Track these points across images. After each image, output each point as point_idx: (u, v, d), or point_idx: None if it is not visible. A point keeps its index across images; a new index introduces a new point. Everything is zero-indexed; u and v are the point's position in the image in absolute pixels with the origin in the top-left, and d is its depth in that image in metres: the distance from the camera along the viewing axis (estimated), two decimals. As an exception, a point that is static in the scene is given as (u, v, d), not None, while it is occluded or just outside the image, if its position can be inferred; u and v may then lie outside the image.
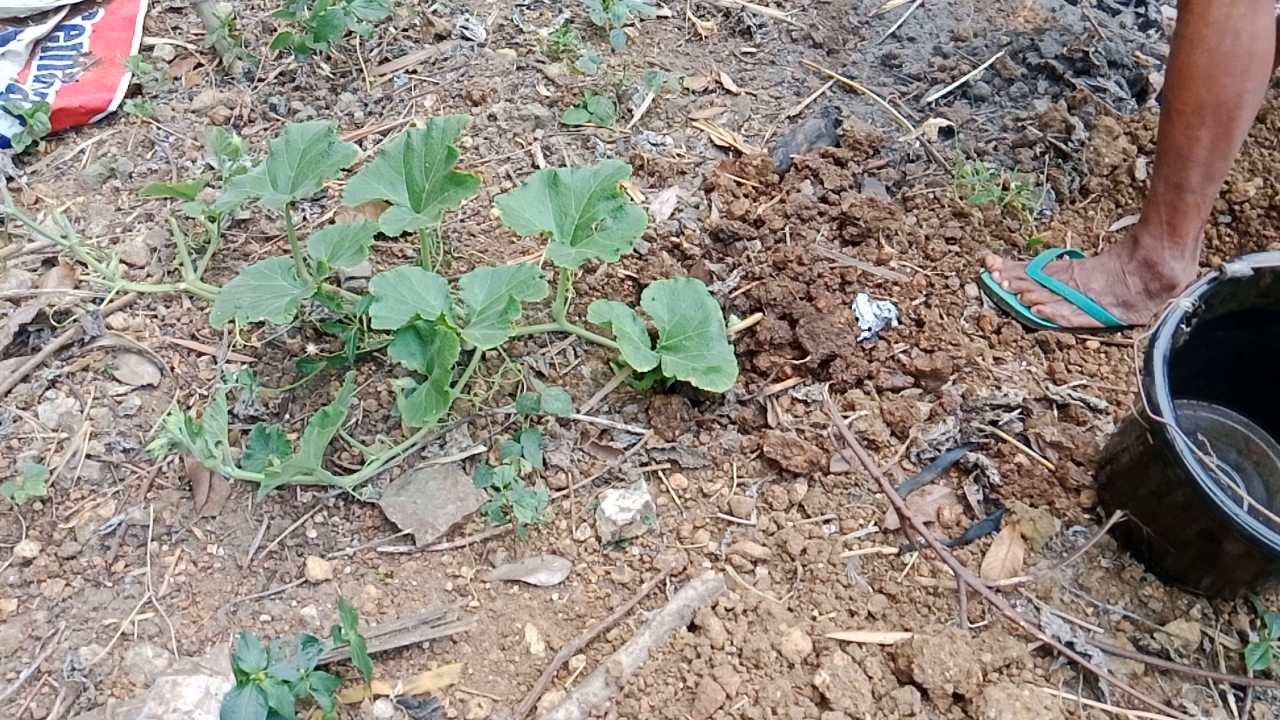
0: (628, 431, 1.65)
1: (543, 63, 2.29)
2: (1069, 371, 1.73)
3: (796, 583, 1.47)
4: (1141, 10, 2.44)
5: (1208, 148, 1.53)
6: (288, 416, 1.67)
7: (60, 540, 1.50)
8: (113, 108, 2.16)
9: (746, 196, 1.99)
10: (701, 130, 2.17)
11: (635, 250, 1.86)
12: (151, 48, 2.33)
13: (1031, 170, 2.02)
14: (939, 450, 1.62)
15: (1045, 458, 1.60)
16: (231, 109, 2.17)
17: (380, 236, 1.80)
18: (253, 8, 2.44)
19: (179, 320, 1.79)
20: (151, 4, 2.44)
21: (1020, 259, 1.89)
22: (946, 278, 1.84)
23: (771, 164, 2.04)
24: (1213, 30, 1.44)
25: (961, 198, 1.95)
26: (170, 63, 2.32)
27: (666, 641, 1.38)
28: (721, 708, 1.29)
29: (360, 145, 2.09)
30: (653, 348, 1.63)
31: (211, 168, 2.03)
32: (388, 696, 1.35)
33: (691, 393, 1.67)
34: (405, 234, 1.93)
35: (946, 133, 2.13)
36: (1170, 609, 1.45)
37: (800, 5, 2.47)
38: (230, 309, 1.57)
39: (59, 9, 2.36)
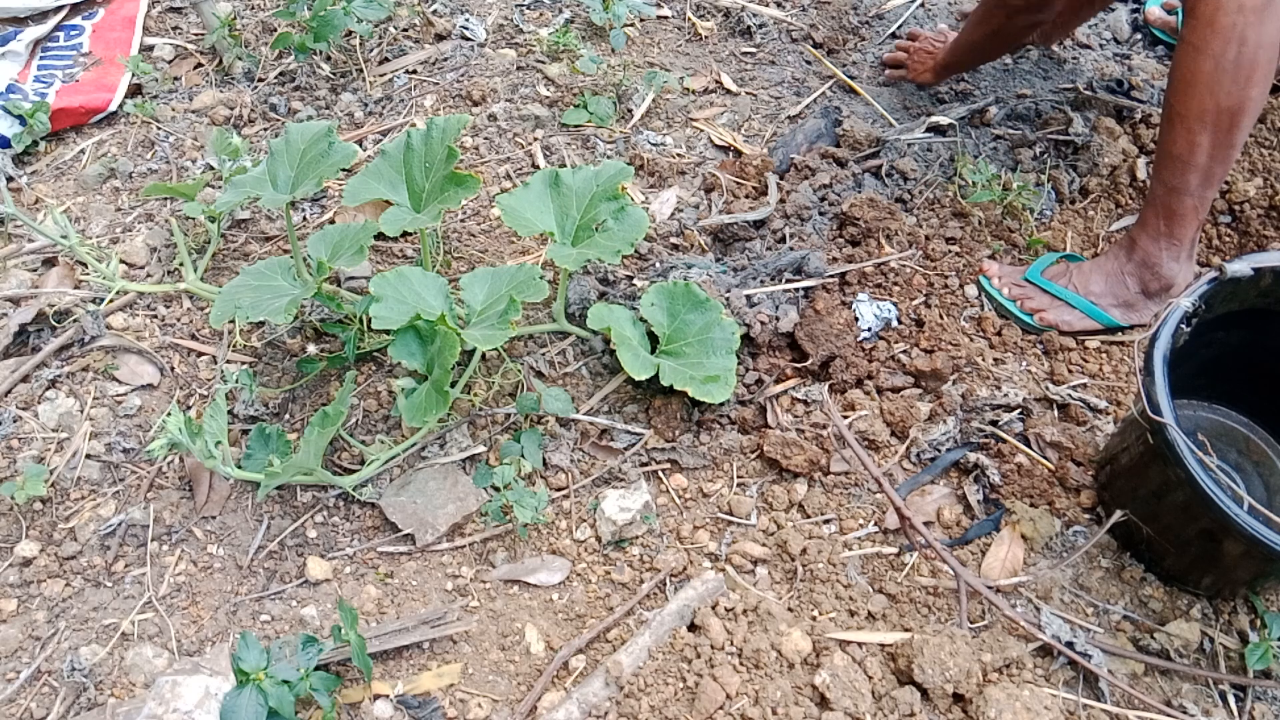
0: (628, 431, 1.65)
1: (543, 63, 2.29)
2: (1069, 371, 1.73)
3: (796, 583, 1.47)
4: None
5: (1208, 153, 1.53)
6: (288, 416, 1.67)
7: (60, 540, 1.50)
8: (113, 108, 2.16)
9: (746, 196, 1.99)
10: (701, 130, 2.17)
11: (636, 251, 1.86)
12: (151, 48, 2.33)
13: (1031, 170, 2.02)
14: (939, 450, 1.62)
15: (1045, 458, 1.60)
16: (231, 109, 2.17)
17: (380, 236, 1.81)
18: (253, 8, 2.44)
19: (179, 320, 1.79)
20: (151, 4, 2.44)
21: (1019, 262, 1.89)
22: (946, 278, 1.84)
23: (771, 164, 2.04)
24: (1219, 38, 1.44)
25: (962, 198, 1.95)
26: (170, 63, 2.31)
27: (666, 641, 1.38)
28: (721, 708, 1.29)
29: (360, 145, 2.09)
30: (652, 351, 1.63)
31: (211, 168, 2.03)
32: (388, 696, 1.35)
33: (691, 393, 1.67)
34: (405, 234, 1.93)
35: (946, 132, 2.13)
36: (1170, 609, 1.45)
37: (800, 5, 2.47)
38: (230, 309, 1.57)
39: (59, 9, 2.36)
